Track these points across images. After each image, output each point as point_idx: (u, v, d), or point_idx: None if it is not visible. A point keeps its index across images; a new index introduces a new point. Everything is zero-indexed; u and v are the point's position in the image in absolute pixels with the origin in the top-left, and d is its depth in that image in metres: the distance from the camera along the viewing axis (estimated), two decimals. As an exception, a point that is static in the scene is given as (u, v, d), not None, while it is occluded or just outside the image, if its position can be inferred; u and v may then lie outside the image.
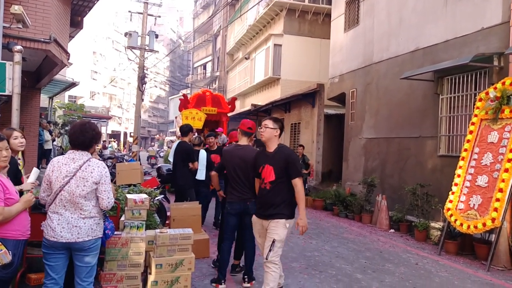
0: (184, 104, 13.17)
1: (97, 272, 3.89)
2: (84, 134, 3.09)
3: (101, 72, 47.26)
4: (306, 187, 12.19)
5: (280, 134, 4.15)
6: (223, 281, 4.61)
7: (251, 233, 4.65)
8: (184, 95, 14.04)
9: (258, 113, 19.64)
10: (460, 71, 7.78)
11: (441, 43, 8.39)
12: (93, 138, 3.13)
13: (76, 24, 10.57)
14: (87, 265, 3.09)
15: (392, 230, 8.70)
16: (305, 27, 19.12)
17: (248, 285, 4.70)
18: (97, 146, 23.41)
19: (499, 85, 6.56)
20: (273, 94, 19.38)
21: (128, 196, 4.22)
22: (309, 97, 14.45)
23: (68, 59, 9.01)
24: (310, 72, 18.27)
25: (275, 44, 19.00)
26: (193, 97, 13.90)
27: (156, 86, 55.99)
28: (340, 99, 13.04)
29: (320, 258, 6.16)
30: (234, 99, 14.94)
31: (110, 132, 45.68)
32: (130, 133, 45.79)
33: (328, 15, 16.85)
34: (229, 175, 4.67)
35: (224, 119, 14.14)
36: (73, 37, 11.89)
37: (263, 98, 20.54)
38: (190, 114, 12.24)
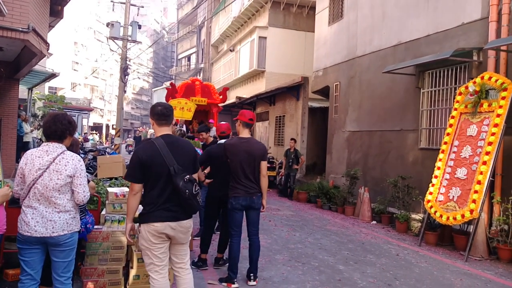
0: (172, 93, 12.43)
1: (78, 266, 3.87)
2: (56, 124, 3.01)
3: (82, 63, 46.42)
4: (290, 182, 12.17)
5: (154, 123, 3.37)
6: (235, 280, 4.47)
7: (256, 228, 4.62)
8: (171, 84, 13.22)
9: (243, 106, 19.60)
10: (441, 66, 7.89)
11: (422, 38, 8.48)
12: (66, 128, 3.05)
13: (56, 13, 10.28)
14: (64, 260, 3.02)
15: (374, 222, 8.83)
16: (290, 20, 19.08)
17: (254, 283, 4.56)
18: (79, 138, 23.00)
19: (478, 80, 6.68)
20: (258, 87, 19.35)
21: (109, 189, 4.19)
22: (294, 90, 14.48)
23: (48, 50, 8.79)
24: (294, 65, 18.28)
25: (260, 37, 18.92)
26: (181, 86, 13.17)
27: (139, 78, 55.36)
28: (324, 92, 13.10)
29: (303, 250, 6.22)
30: (226, 89, 14.26)
31: (91, 125, 45.08)
32: (113, 125, 45.20)
33: (313, 8, 16.84)
34: (233, 170, 4.48)
35: (214, 110, 13.43)
36: (53, 26, 11.59)
37: (248, 91, 20.50)
38: (179, 104, 11.13)
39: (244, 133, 4.58)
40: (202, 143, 7.96)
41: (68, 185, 2.99)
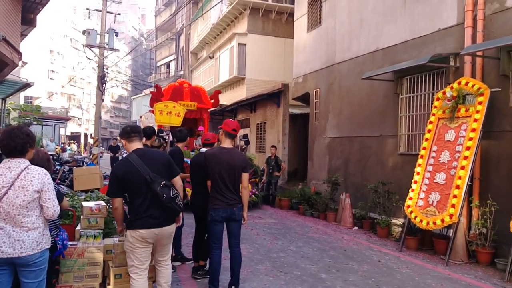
0: (157, 97, 11.26)
1: (52, 284, 3.71)
2: (14, 140, 2.84)
3: (58, 72, 45.65)
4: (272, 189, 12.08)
5: (125, 143, 3.74)
6: None
7: (237, 240, 4.53)
8: (156, 86, 12.13)
9: (224, 113, 19.51)
10: (419, 71, 7.98)
11: (400, 44, 8.59)
12: (25, 143, 2.89)
13: (28, 22, 10.03)
14: (34, 281, 2.87)
15: (355, 228, 8.84)
16: (269, 27, 19.16)
17: None
18: (56, 147, 22.30)
19: (455, 85, 6.78)
20: (239, 94, 19.31)
21: (84, 204, 4.03)
22: (274, 97, 14.49)
23: (20, 59, 8.57)
24: (275, 71, 18.34)
25: (239, 43, 18.93)
26: (168, 89, 12.05)
27: (117, 86, 54.61)
28: (305, 98, 13.13)
29: (286, 259, 6.15)
30: (217, 92, 13.13)
31: (69, 134, 44.22)
32: (91, 134, 44.48)
33: (291, 14, 16.94)
34: (213, 181, 4.38)
35: (205, 116, 12.52)
36: (25, 35, 11.32)
37: (228, 98, 20.44)
38: (166, 108, 9.79)
39: (226, 143, 4.49)
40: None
41: (36, 201, 2.85)
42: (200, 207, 4.91)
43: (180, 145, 5.71)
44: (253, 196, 10.45)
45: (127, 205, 3.60)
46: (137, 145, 3.62)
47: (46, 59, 42.91)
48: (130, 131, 3.61)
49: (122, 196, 3.51)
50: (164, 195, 3.43)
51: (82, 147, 42.63)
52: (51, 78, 43.97)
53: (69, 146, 29.53)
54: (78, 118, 50.46)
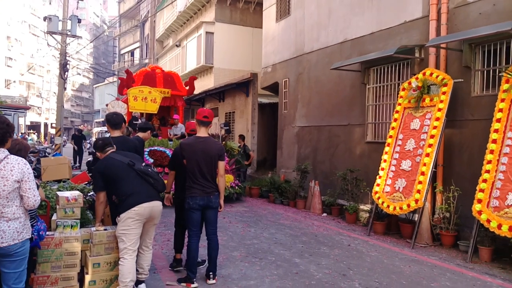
0: (127, 83, 10.57)
1: (29, 275, 3.64)
2: None
3: (16, 59, 43.56)
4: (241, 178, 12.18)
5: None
6: (194, 279, 4.42)
7: (214, 227, 4.59)
8: (127, 71, 11.33)
9: (192, 102, 19.34)
10: (385, 62, 8.24)
11: (367, 35, 8.81)
12: (6, 132, 2.85)
13: (-14, 5, 9.50)
14: (15, 271, 2.85)
15: (325, 214, 9.09)
16: (237, 16, 19.05)
17: (213, 281, 4.53)
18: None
19: (420, 76, 7.06)
20: (207, 83, 19.18)
21: (60, 194, 3.96)
22: (243, 86, 14.50)
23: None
24: (243, 61, 18.30)
25: (207, 32, 18.74)
26: (139, 74, 11.45)
27: (79, 74, 52.81)
28: (274, 88, 13.23)
29: (260, 245, 6.27)
30: (193, 78, 12.56)
31: (29, 124, 42.50)
32: (52, 124, 42.93)
33: (259, 4, 16.93)
34: (190, 170, 4.41)
35: (180, 104, 12.05)
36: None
37: (196, 87, 20.18)
38: (141, 94, 9.30)
39: (201, 132, 4.53)
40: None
41: (16, 191, 2.82)
42: (181, 198, 4.84)
43: (141, 135, 5.59)
44: (236, 187, 10.32)
45: (115, 192, 3.93)
46: (111, 151, 4.05)
47: (3, 45, 40.87)
48: (103, 145, 4.03)
49: (105, 190, 3.89)
50: (149, 169, 3.98)
51: (43, 137, 41.11)
52: (8, 66, 41.95)
53: (29, 136, 28.41)
54: (38, 107, 48.50)
